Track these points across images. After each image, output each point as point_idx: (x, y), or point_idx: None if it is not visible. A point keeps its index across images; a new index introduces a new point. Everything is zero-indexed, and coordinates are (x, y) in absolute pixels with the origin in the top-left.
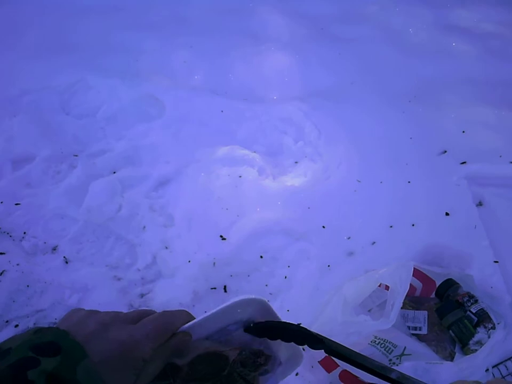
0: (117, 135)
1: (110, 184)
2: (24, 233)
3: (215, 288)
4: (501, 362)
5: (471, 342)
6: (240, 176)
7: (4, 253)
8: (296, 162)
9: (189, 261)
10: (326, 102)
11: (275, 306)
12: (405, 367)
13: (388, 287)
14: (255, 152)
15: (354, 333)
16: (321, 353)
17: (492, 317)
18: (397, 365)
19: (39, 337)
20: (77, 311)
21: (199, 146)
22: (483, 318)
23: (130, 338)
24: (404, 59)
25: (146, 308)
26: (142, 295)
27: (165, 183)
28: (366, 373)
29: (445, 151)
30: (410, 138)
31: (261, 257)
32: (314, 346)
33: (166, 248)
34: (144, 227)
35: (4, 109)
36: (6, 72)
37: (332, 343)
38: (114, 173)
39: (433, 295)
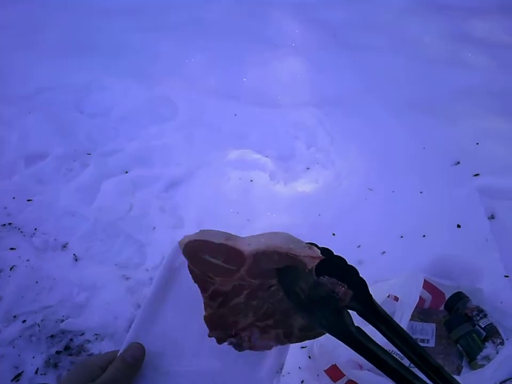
0: (130, 135)
1: (121, 183)
2: (35, 229)
3: None
4: (509, 379)
5: (479, 356)
6: (251, 180)
7: (14, 248)
8: (308, 168)
9: None
10: (339, 109)
11: None
12: None
13: (397, 298)
14: (267, 156)
15: None
16: (327, 362)
17: (501, 332)
18: None
19: None
20: (78, 366)
21: (211, 149)
22: (492, 333)
23: None
24: (419, 68)
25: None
26: None
27: (176, 185)
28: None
29: (458, 162)
30: (424, 148)
31: None
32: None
33: None
34: (154, 228)
35: (19, 105)
36: (21, 69)
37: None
38: (126, 172)
39: (442, 308)
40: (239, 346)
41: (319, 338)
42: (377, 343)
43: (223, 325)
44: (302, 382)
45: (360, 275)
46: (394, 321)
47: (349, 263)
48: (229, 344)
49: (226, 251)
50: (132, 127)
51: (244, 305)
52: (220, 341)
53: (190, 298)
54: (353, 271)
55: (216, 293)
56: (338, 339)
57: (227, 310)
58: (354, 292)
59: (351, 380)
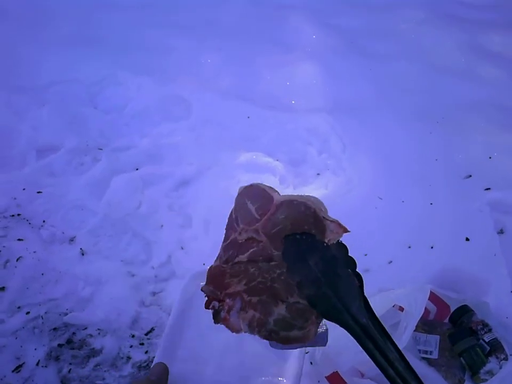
0: (142, 132)
1: (131, 180)
2: (44, 221)
3: None
4: None
5: (481, 371)
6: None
7: (22, 239)
8: (318, 174)
9: (204, 264)
10: (352, 116)
11: None
12: None
13: (402, 308)
14: (277, 160)
15: (363, 351)
16: (329, 369)
17: (505, 347)
18: None
19: None
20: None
21: (222, 150)
22: (496, 347)
23: None
24: (434, 79)
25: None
26: (154, 293)
27: (185, 184)
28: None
29: (470, 176)
30: (436, 159)
31: None
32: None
33: (182, 248)
34: (162, 226)
35: (32, 97)
36: (35, 61)
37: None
38: (136, 169)
39: (447, 320)
40: (216, 315)
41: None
42: (394, 343)
43: (218, 282)
44: None
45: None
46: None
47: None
48: (210, 308)
49: (262, 196)
50: (145, 124)
51: (243, 268)
52: (207, 304)
53: (209, 320)
54: (352, 263)
55: (232, 243)
56: (339, 325)
57: (229, 267)
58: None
59: None
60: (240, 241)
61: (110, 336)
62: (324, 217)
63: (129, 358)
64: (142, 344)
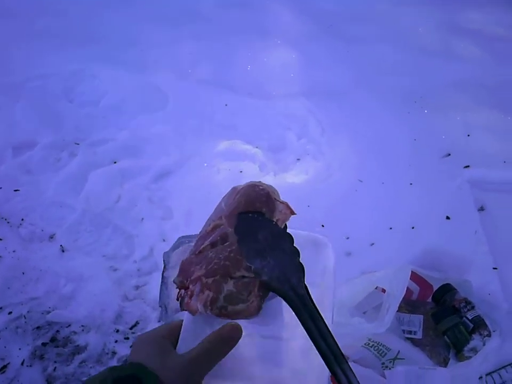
0: (119, 125)
1: (110, 174)
2: (22, 219)
3: None
4: (495, 371)
5: (465, 348)
6: (241, 171)
7: (0, 239)
8: (298, 159)
9: None
10: (330, 100)
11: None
12: (398, 371)
13: (384, 290)
14: (257, 147)
15: (347, 334)
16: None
17: (488, 324)
18: (390, 369)
19: (118, 372)
20: (141, 341)
21: (201, 139)
22: (479, 324)
23: (189, 364)
24: (411, 59)
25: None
26: (137, 287)
27: (165, 176)
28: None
29: (449, 154)
30: (414, 139)
31: None
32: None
33: (164, 240)
34: (143, 219)
35: (7, 94)
36: (9, 57)
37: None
38: (114, 163)
39: (430, 300)
40: (181, 303)
41: None
42: (320, 314)
43: (186, 271)
44: None
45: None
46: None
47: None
48: (179, 299)
49: (231, 192)
50: (122, 117)
51: (205, 254)
52: (177, 295)
53: None
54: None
55: (202, 235)
56: (279, 295)
57: (195, 256)
58: None
59: None
60: (207, 231)
61: (94, 332)
62: (275, 199)
63: (114, 353)
64: (127, 338)
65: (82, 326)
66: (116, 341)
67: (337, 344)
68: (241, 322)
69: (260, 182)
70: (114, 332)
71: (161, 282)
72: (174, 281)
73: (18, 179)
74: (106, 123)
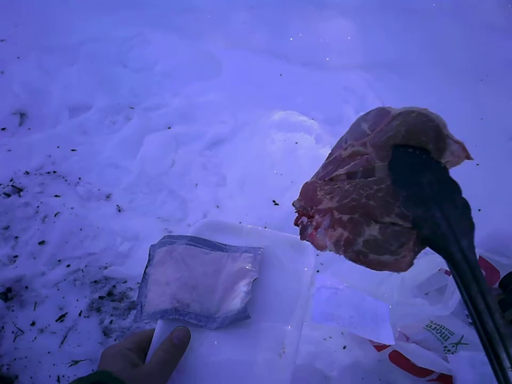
0: (173, 91)
1: (164, 139)
2: (79, 178)
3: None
4: None
5: None
6: (296, 143)
7: (59, 196)
8: None
9: (240, 222)
10: (390, 74)
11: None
12: (462, 356)
13: (449, 272)
14: (313, 119)
15: (409, 314)
16: None
17: None
18: (452, 353)
19: (85, 381)
20: (107, 354)
21: (255, 108)
22: None
23: (150, 375)
24: (478, 35)
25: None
26: None
27: (218, 143)
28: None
29: None
30: (481, 119)
31: None
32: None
33: (217, 207)
34: (197, 184)
35: (63, 57)
36: (65, 21)
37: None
38: (169, 128)
39: (496, 285)
40: (302, 231)
41: None
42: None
43: (310, 198)
44: (344, 348)
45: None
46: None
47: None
48: (299, 224)
49: (378, 114)
50: (175, 83)
51: (339, 185)
52: (296, 219)
53: None
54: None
55: (334, 159)
56: (443, 256)
57: (324, 183)
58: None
59: (396, 350)
60: (343, 157)
61: None
62: (447, 135)
63: None
64: None
65: (138, 283)
66: None
67: (503, 325)
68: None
69: (426, 109)
70: None
71: (142, 278)
72: (293, 204)
73: (75, 139)
74: (160, 89)
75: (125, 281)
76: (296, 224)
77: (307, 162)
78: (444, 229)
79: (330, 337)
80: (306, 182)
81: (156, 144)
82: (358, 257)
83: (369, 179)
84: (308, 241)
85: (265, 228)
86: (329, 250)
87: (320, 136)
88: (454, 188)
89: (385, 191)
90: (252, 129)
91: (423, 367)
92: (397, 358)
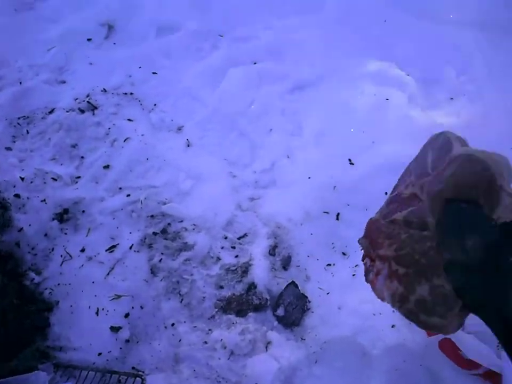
0: (267, 23)
1: (248, 74)
2: (155, 105)
3: (327, 212)
4: None
5: None
6: (387, 99)
7: (131, 120)
8: (451, 98)
9: (309, 178)
10: (507, 36)
11: None
12: None
13: None
14: (409, 75)
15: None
16: None
17: None
18: None
19: None
20: None
21: (350, 54)
22: None
23: None
24: None
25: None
26: (251, 199)
27: (303, 87)
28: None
29: None
30: None
31: (386, 193)
32: None
33: (288, 157)
34: (271, 130)
35: None
36: None
37: None
38: (255, 63)
39: None
40: (366, 274)
41: None
42: None
43: (373, 239)
44: (392, 326)
45: None
46: None
47: None
48: (363, 261)
49: (443, 148)
50: (271, 15)
51: (397, 231)
52: (363, 257)
53: None
54: None
55: (397, 196)
56: (486, 323)
57: (385, 225)
58: None
59: (448, 338)
60: (403, 196)
61: (203, 234)
62: (501, 186)
63: (219, 258)
64: (233, 247)
65: (193, 224)
66: (222, 247)
67: None
68: None
69: (485, 153)
70: (222, 238)
71: None
72: (359, 241)
73: (158, 61)
74: (253, 19)
75: (181, 221)
76: (362, 260)
77: (394, 122)
78: (483, 299)
79: (380, 314)
80: (371, 219)
81: (238, 79)
82: (410, 316)
83: (424, 233)
84: (370, 285)
85: (334, 187)
86: (387, 302)
87: (413, 95)
88: (500, 250)
89: (436, 249)
90: (341, 76)
91: (473, 359)
92: (447, 347)
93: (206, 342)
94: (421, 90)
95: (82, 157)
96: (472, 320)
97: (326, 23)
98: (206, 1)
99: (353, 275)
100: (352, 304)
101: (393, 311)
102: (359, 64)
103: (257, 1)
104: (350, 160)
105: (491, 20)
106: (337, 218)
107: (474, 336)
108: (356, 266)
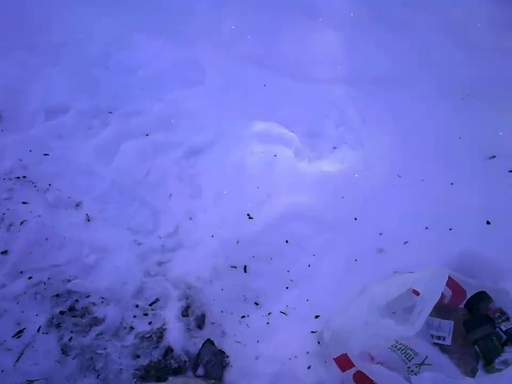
0: (156, 97)
1: (141, 146)
2: (50, 185)
3: (235, 267)
4: None
5: (496, 360)
6: (275, 155)
7: (26, 203)
8: (334, 147)
9: (212, 236)
10: (375, 88)
11: (294, 294)
12: (425, 378)
13: (418, 292)
14: (293, 132)
15: (376, 335)
16: (337, 350)
17: None
18: (416, 373)
19: None
20: None
21: (237, 118)
22: None
23: None
24: (462, 53)
25: None
26: (160, 263)
27: (197, 153)
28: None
29: (494, 156)
30: (459, 138)
31: (287, 241)
32: None
33: (190, 219)
34: (171, 195)
35: (45, 55)
36: (50, 18)
37: None
38: (147, 135)
39: (462, 306)
40: None
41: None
42: None
43: None
44: (308, 368)
45: None
46: None
47: None
48: None
49: None
50: (158, 89)
51: None
52: None
53: None
54: None
55: None
56: None
57: None
58: None
59: (361, 371)
60: None
61: (113, 305)
62: None
63: (132, 328)
64: (146, 314)
65: (102, 297)
66: (135, 316)
67: None
68: None
69: None
70: (133, 307)
71: None
72: None
73: (49, 144)
74: (141, 94)
75: (88, 296)
76: None
77: (285, 175)
78: None
79: (296, 357)
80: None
81: (132, 151)
82: None
83: None
84: None
85: (237, 242)
86: None
87: (299, 149)
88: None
89: None
90: (231, 139)
91: None
92: (361, 379)
93: None
94: (305, 144)
95: None
96: (381, 349)
97: (210, 92)
98: (92, 82)
99: (267, 323)
100: (268, 352)
101: (307, 352)
102: (246, 126)
103: (144, 78)
104: (248, 215)
105: (359, 76)
106: (245, 271)
107: (383, 367)
108: (269, 314)
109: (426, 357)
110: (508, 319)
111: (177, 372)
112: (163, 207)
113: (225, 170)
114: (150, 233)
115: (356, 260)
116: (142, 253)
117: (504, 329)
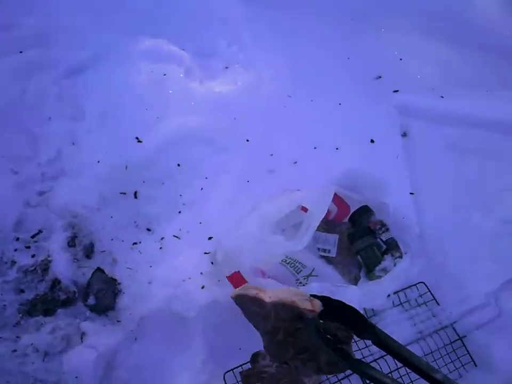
0: (29, 9)
1: (14, 65)
2: None
3: (124, 193)
4: (402, 290)
5: (377, 268)
6: (164, 75)
7: None
8: (226, 67)
9: (98, 161)
10: (267, 8)
11: (188, 217)
12: (312, 288)
13: (306, 209)
14: (183, 50)
15: (267, 251)
16: (230, 269)
17: (401, 246)
18: (304, 285)
19: None
20: None
21: (123, 33)
22: (392, 246)
23: None
24: None
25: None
26: (41, 193)
27: (78, 71)
28: None
29: (380, 77)
30: (348, 58)
31: (178, 165)
32: (362, 335)
33: (73, 144)
34: (50, 118)
35: None
36: None
37: (381, 334)
38: (20, 52)
39: (346, 220)
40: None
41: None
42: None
43: (276, 354)
44: (202, 287)
45: (357, 312)
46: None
47: (348, 304)
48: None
49: (258, 302)
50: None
51: (284, 342)
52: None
53: None
54: (352, 310)
55: (265, 331)
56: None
57: (275, 344)
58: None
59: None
60: (269, 329)
61: None
62: (298, 307)
63: (14, 262)
64: (28, 247)
65: None
66: (16, 249)
67: None
68: None
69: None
70: (14, 240)
71: None
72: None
73: None
74: (14, 5)
75: None
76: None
77: (175, 96)
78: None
79: (190, 278)
80: (264, 345)
81: (3, 70)
82: (329, 373)
83: (299, 330)
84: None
85: (126, 167)
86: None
87: (190, 68)
88: (325, 329)
89: None
90: (116, 57)
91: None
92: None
93: (15, 350)
94: (196, 63)
95: None
96: (271, 264)
97: (92, 4)
98: None
99: (160, 248)
100: (162, 275)
101: (201, 273)
102: (133, 43)
103: None
104: (137, 138)
105: None
106: (136, 197)
107: (274, 280)
108: (161, 239)
109: (313, 269)
110: (387, 230)
111: (66, 303)
112: (41, 131)
113: (110, 90)
114: (28, 161)
115: (248, 181)
116: (20, 182)
117: (384, 240)
